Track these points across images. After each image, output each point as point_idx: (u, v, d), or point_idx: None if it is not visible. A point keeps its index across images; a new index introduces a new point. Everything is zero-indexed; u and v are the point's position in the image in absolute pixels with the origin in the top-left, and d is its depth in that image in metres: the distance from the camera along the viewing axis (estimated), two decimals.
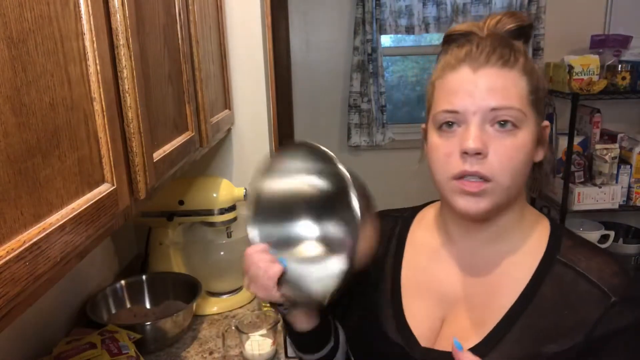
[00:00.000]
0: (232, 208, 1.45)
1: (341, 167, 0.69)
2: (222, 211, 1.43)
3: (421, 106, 3.08)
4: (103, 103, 0.63)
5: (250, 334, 1.20)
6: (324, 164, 0.73)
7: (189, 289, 1.34)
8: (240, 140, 1.64)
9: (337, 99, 2.84)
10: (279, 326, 1.23)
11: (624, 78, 2.43)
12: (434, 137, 0.69)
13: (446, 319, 0.74)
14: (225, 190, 1.43)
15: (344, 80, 2.81)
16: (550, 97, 2.49)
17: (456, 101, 0.66)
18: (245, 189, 1.46)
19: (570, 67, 2.42)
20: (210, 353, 1.24)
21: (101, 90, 0.62)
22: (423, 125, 0.75)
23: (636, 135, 2.65)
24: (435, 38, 2.91)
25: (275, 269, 0.73)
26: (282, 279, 0.74)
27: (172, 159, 0.91)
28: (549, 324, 0.67)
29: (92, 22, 0.60)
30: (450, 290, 0.75)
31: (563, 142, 2.44)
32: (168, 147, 0.91)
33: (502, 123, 0.65)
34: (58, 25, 0.54)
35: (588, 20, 2.71)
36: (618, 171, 2.54)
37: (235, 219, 1.47)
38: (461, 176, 0.65)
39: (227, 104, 1.49)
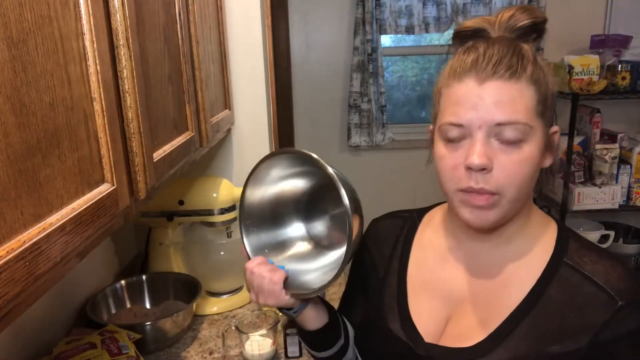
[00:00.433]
0: (232, 208, 1.45)
1: (324, 164, 0.74)
2: (222, 211, 1.43)
3: (421, 106, 3.08)
4: (103, 103, 0.63)
5: (250, 334, 1.20)
6: (307, 166, 0.79)
7: (189, 289, 1.34)
8: (240, 140, 1.64)
9: (337, 99, 2.84)
10: (279, 326, 1.23)
11: (624, 78, 2.43)
12: (440, 147, 0.69)
13: (451, 318, 0.75)
14: (225, 190, 1.43)
15: (344, 80, 2.81)
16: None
17: (461, 114, 0.65)
18: None
19: (570, 67, 2.42)
20: (210, 353, 1.24)
21: (101, 90, 0.62)
22: (430, 127, 0.74)
23: (636, 135, 2.65)
24: (435, 38, 2.91)
25: (279, 275, 0.78)
26: (286, 283, 0.78)
27: (172, 159, 0.91)
28: (554, 325, 0.67)
29: (92, 22, 0.60)
30: (456, 290, 0.75)
31: (563, 142, 2.44)
32: (168, 147, 0.91)
33: (507, 139, 0.64)
34: (58, 25, 0.54)
35: (588, 20, 2.71)
36: (618, 171, 2.54)
37: (235, 219, 1.47)
38: (466, 191, 0.66)
39: (227, 104, 1.49)
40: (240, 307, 1.45)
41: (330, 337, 0.85)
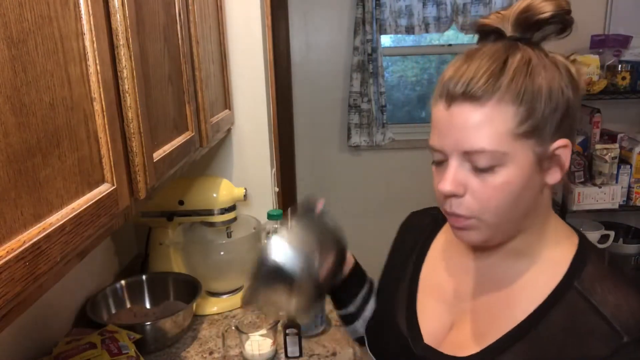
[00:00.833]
0: (232, 208, 1.45)
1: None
2: (222, 211, 1.43)
3: (421, 106, 3.08)
4: (103, 103, 0.63)
5: (250, 334, 1.20)
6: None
7: (189, 289, 1.34)
8: (240, 140, 1.64)
9: (337, 99, 2.84)
10: (279, 326, 1.23)
11: (624, 78, 2.43)
12: (433, 165, 0.68)
13: (455, 326, 0.74)
14: (225, 190, 1.43)
15: (344, 80, 2.81)
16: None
17: (435, 139, 0.64)
18: (245, 189, 1.46)
19: None
20: (210, 353, 1.24)
21: (101, 90, 0.62)
22: None
23: (636, 135, 2.65)
24: (435, 38, 2.91)
25: None
26: None
27: (172, 159, 0.91)
28: (551, 351, 0.63)
29: (92, 22, 0.60)
30: (462, 298, 0.74)
31: None
32: (168, 147, 0.91)
33: (479, 166, 0.61)
34: (58, 25, 0.54)
35: (588, 20, 2.71)
36: (618, 171, 2.54)
37: (235, 219, 1.47)
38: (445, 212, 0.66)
39: (227, 104, 1.49)
40: (240, 307, 1.45)
41: (353, 287, 0.89)
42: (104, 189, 0.63)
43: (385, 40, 2.88)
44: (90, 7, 0.60)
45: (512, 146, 0.59)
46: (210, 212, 1.42)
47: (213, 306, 1.43)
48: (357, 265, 0.92)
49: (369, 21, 2.64)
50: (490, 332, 0.68)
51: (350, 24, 2.72)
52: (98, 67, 0.61)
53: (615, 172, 2.54)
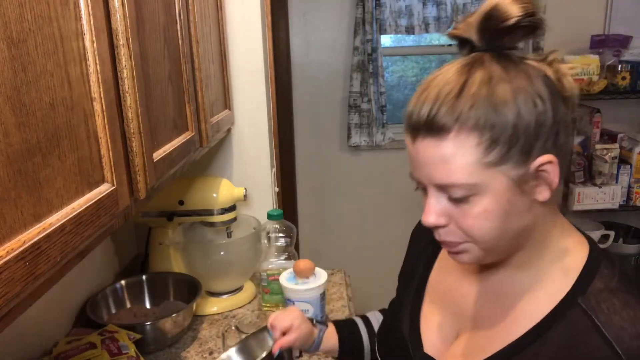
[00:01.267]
0: (232, 208, 1.45)
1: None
2: (222, 211, 1.43)
3: None
4: (103, 103, 0.63)
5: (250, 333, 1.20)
6: None
7: (189, 289, 1.34)
8: (240, 140, 1.64)
9: (337, 99, 2.84)
10: None
11: (624, 78, 2.43)
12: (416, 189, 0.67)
13: (459, 337, 0.73)
14: (225, 190, 1.43)
15: (344, 80, 2.80)
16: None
17: (411, 170, 0.63)
18: (245, 189, 1.46)
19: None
20: (210, 353, 1.24)
21: (101, 90, 0.62)
22: None
23: (636, 135, 2.65)
24: (435, 38, 2.91)
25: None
26: None
27: (172, 159, 0.91)
28: None
29: (92, 22, 0.60)
30: (467, 309, 0.72)
31: None
32: (168, 147, 0.91)
33: (453, 196, 0.59)
34: (58, 25, 0.54)
35: (588, 20, 2.71)
36: (618, 171, 2.54)
37: (235, 219, 1.47)
38: None
39: (227, 104, 1.49)
40: (240, 307, 1.45)
41: (352, 350, 0.96)
42: (104, 189, 0.63)
43: (385, 40, 2.88)
44: (90, 7, 0.60)
45: (482, 176, 0.56)
46: (210, 212, 1.42)
47: (213, 306, 1.43)
48: (341, 328, 0.97)
49: (369, 21, 2.64)
50: (489, 347, 0.66)
51: (350, 24, 2.72)
52: (98, 67, 0.61)
53: (615, 172, 2.54)
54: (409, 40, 2.92)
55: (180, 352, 1.25)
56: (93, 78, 0.61)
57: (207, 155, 1.63)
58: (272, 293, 1.38)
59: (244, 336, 1.15)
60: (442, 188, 0.59)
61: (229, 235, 1.49)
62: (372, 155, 2.89)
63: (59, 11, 0.54)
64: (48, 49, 0.51)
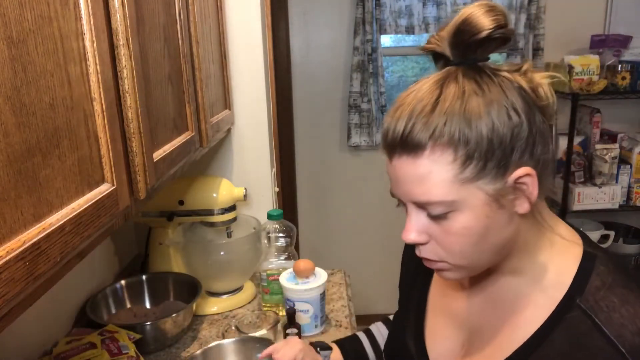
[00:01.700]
0: (232, 208, 1.45)
1: None
2: (222, 211, 1.43)
3: None
4: (103, 103, 0.63)
5: (250, 334, 1.20)
6: None
7: (189, 289, 1.34)
8: (240, 140, 1.64)
9: (337, 99, 2.84)
10: (279, 326, 1.23)
11: (624, 78, 2.43)
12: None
13: (465, 346, 0.72)
14: (225, 190, 1.43)
15: (344, 80, 2.80)
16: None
17: (391, 187, 0.63)
18: (245, 189, 1.46)
19: (570, 67, 2.42)
20: None
21: (101, 90, 0.62)
22: None
23: (636, 135, 2.65)
24: None
25: None
26: None
27: (172, 159, 0.91)
28: None
29: (92, 22, 0.60)
30: (471, 319, 0.72)
31: (563, 142, 2.44)
32: (168, 147, 0.91)
33: (432, 213, 0.59)
34: (58, 25, 0.54)
35: (588, 20, 2.71)
36: (618, 171, 2.54)
37: (235, 219, 1.47)
38: None
39: (227, 104, 1.49)
40: (240, 307, 1.45)
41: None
42: (104, 189, 0.63)
43: (385, 40, 2.88)
44: (90, 7, 0.60)
45: (459, 192, 0.56)
46: (210, 212, 1.42)
47: (213, 306, 1.43)
48: (344, 346, 0.97)
49: (369, 21, 2.64)
50: (494, 355, 0.66)
51: (350, 24, 2.72)
52: (98, 67, 0.61)
53: (615, 172, 2.54)
54: (409, 40, 2.92)
55: (180, 352, 1.25)
56: (93, 78, 0.61)
57: (207, 155, 1.63)
58: (272, 293, 1.38)
59: (243, 336, 1.16)
60: (421, 205, 0.59)
61: (229, 235, 1.49)
62: (372, 155, 2.89)
63: (59, 11, 0.54)
64: (48, 49, 0.51)
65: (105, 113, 0.63)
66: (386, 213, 2.92)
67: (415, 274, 0.84)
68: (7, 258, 0.43)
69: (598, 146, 2.53)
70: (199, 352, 1.09)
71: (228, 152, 1.65)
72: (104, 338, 1.10)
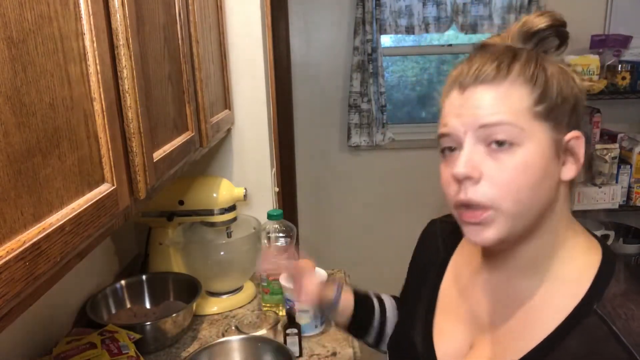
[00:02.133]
0: (232, 208, 1.45)
1: None
2: (222, 211, 1.43)
3: (421, 106, 3.08)
4: (103, 103, 0.63)
5: (250, 334, 1.20)
6: None
7: (189, 289, 1.34)
8: (240, 140, 1.64)
9: (337, 99, 2.84)
10: (279, 326, 1.23)
11: (624, 78, 2.43)
12: (441, 164, 0.65)
13: (473, 346, 0.71)
14: (225, 190, 1.43)
15: (344, 80, 2.80)
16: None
17: (447, 123, 0.63)
18: (245, 189, 1.46)
19: None
20: None
21: (101, 90, 0.62)
22: None
23: (636, 135, 2.65)
24: (435, 38, 2.91)
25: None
26: None
27: (172, 159, 0.91)
28: None
29: (92, 22, 0.60)
30: (481, 317, 0.70)
31: None
32: (168, 147, 0.91)
33: (496, 142, 0.59)
34: (58, 25, 0.54)
35: (588, 20, 2.71)
36: (618, 171, 2.54)
37: (235, 219, 1.47)
38: (459, 206, 0.61)
39: (227, 104, 1.49)
40: (240, 307, 1.45)
41: (363, 320, 0.93)
42: (104, 189, 0.63)
43: (385, 40, 2.88)
44: (90, 7, 0.60)
45: (529, 124, 0.59)
46: (210, 212, 1.42)
47: (213, 306, 1.43)
48: (359, 299, 0.94)
49: (369, 21, 2.64)
50: (508, 355, 0.64)
51: (350, 24, 2.72)
52: (98, 67, 0.61)
53: (615, 172, 2.54)
54: (409, 40, 2.92)
55: (180, 352, 1.25)
56: (93, 78, 0.61)
57: (207, 155, 1.63)
58: (272, 293, 1.38)
59: (243, 336, 1.16)
60: (486, 129, 0.59)
61: (229, 235, 1.49)
62: (372, 155, 2.89)
63: (59, 11, 0.54)
64: (48, 49, 0.51)
65: (105, 113, 0.63)
66: (386, 213, 2.92)
67: (426, 271, 0.83)
68: (7, 258, 0.43)
69: (598, 146, 2.53)
70: (199, 350, 1.09)
71: (228, 152, 1.65)
72: (104, 338, 1.10)
